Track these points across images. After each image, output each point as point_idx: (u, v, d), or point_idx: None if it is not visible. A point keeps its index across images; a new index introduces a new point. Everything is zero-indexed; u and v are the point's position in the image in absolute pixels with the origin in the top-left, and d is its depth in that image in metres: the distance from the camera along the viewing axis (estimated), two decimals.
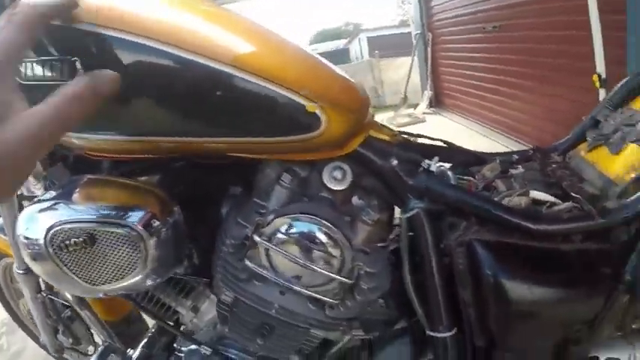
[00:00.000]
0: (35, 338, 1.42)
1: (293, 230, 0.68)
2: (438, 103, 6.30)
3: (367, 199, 0.72)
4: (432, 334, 0.74)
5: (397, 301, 0.83)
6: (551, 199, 0.77)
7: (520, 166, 0.83)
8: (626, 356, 0.92)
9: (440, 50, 5.99)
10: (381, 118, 5.73)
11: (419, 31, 6.37)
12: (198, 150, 0.65)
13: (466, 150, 0.85)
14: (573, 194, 0.78)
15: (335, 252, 0.69)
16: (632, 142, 0.78)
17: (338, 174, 0.69)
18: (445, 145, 0.82)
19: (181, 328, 0.91)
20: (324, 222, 0.68)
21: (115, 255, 0.64)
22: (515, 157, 0.86)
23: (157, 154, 0.67)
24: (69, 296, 1.07)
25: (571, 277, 0.76)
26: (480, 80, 4.72)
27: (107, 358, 1.00)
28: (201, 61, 0.54)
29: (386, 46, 13.34)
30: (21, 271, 0.98)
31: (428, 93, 6.30)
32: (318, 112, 0.57)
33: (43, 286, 1.03)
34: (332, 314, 0.72)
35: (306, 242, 0.68)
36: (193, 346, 0.86)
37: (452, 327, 0.73)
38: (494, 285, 0.71)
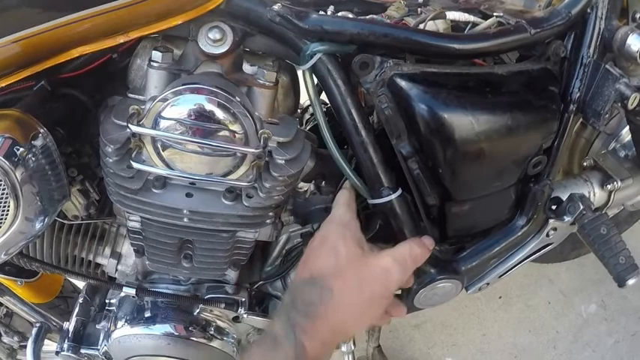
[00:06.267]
0: None
1: (177, 109, 0.56)
2: None
3: (260, 61, 0.60)
4: (375, 202, 0.63)
5: (333, 182, 0.73)
6: (472, 18, 0.66)
7: (429, 5, 0.72)
8: (585, 193, 0.85)
9: None
10: None
11: None
12: (55, 51, 0.53)
13: (368, 1, 0.74)
14: (495, 13, 0.68)
15: (234, 126, 0.57)
16: None
17: (216, 34, 0.56)
18: None
19: None
20: (212, 91, 0.55)
21: None
22: None
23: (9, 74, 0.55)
24: None
25: (516, 101, 0.66)
26: None
27: (42, 341, 0.88)
28: None
29: None
30: None
31: None
32: None
33: None
34: (251, 204, 0.60)
35: (195, 119, 0.56)
36: (122, 294, 0.74)
37: (395, 188, 0.63)
38: (434, 122, 0.59)
